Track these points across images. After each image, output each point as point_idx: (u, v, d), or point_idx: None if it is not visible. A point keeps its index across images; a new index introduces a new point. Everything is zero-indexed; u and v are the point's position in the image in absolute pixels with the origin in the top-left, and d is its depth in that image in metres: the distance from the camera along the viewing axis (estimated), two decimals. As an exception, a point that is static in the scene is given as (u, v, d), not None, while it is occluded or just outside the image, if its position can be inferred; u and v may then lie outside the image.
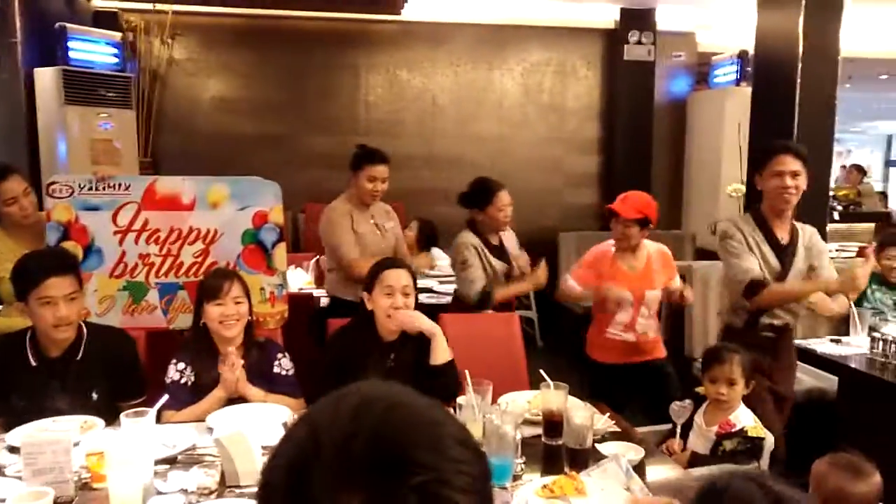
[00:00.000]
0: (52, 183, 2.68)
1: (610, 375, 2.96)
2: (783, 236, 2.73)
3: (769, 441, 2.21)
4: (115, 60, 5.30)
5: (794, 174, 2.62)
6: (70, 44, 5.02)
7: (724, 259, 2.79)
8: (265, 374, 2.32)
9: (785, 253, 2.71)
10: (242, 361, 2.23)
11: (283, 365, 2.37)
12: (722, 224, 2.83)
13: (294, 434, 0.63)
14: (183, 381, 2.24)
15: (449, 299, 3.78)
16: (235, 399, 2.21)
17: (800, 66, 4.94)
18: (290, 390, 2.32)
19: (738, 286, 2.66)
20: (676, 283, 3.05)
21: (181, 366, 2.26)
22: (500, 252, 3.38)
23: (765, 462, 2.18)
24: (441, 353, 2.30)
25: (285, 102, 6.03)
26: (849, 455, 1.63)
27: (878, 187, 15.26)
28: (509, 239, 3.49)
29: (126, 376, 2.24)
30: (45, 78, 4.95)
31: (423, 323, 2.31)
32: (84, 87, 5.00)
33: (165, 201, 2.72)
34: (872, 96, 11.03)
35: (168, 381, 2.22)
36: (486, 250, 3.30)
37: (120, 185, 2.71)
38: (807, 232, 2.80)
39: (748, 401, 2.28)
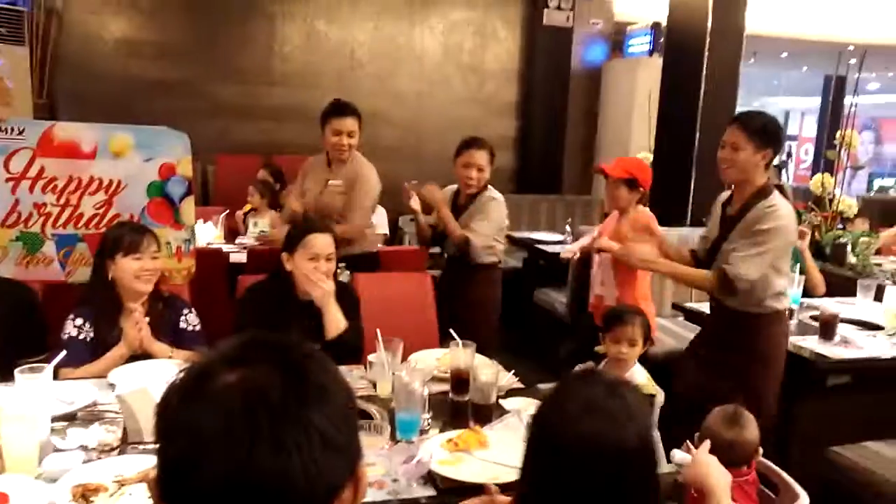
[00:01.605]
0: (-65, 124, 2.49)
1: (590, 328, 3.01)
2: (734, 210, 2.62)
3: (660, 398, 2.36)
4: (6, -9, 4.90)
5: (734, 147, 2.50)
6: (-47, -30, 4.60)
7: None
8: (171, 330, 2.28)
9: (726, 223, 2.64)
10: (147, 318, 2.18)
11: (190, 320, 2.34)
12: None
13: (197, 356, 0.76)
14: (81, 336, 2.16)
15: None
16: (138, 356, 2.16)
17: (708, 40, 5.14)
18: (196, 346, 2.28)
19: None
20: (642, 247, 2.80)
21: (79, 321, 2.18)
22: (453, 211, 3.33)
23: (654, 417, 2.32)
24: (332, 327, 2.31)
25: (195, 47, 5.75)
26: (733, 406, 1.77)
27: (775, 161, 16.19)
28: (483, 209, 3.33)
29: (26, 330, 2.15)
30: (-75, 6, 4.53)
31: (314, 291, 2.31)
32: (-30, 20, 4.61)
33: (64, 148, 2.57)
34: (773, 73, 11.61)
35: (65, 336, 2.14)
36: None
37: (13, 129, 2.53)
38: (762, 210, 2.53)
39: None
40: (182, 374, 0.71)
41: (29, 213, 2.57)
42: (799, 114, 16.42)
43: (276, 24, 5.92)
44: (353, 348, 2.33)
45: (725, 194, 2.69)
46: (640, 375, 2.35)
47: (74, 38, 5.46)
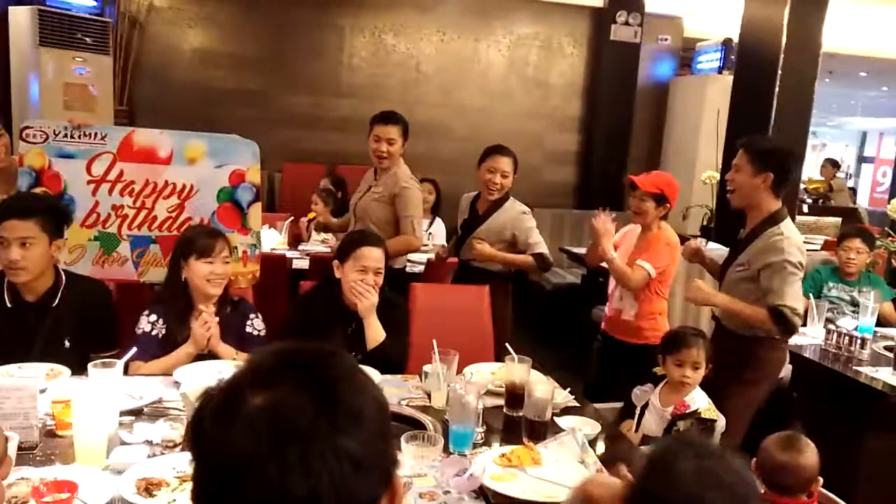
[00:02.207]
0: (27, 127, 2.64)
1: (605, 344, 3.13)
2: (742, 232, 2.71)
3: (721, 423, 2.29)
4: (94, 3, 5.18)
5: (736, 168, 2.57)
6: (47, -17, 4.89)
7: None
8: (237, 333, 2.33)
9: (734, 247, 2.76)
10: (217, 319, 2.25)
11: (256, 325, 2.39)
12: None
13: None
14: (154, 332, 2.25)
15: (422, 268, 3.82)
16: (204, 355, 2.23)
17: (782, 57, 4.99)
18: None
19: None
20: (642, 263, 2.91)
21: (153, 317, 2.27)
22: (472, 219, 3.32)
23: (716, 443, 2.26)
24: (371, 339, 2.35)
25: (266, 59, 5.94)
26: (790, 431, 1.72)
27: (849, 183, 15.57)
28: (501, 215, 3.28)
29: (101, 328, 2.24)
30: (20, 17, 4.81)
31: (357, 303, 2.34)
32: (60, 30, 4.88)
33: (142, 153, 2.69)
34: (851, 92, 11.18)
35: (139, 331, 2.23)
36: (466, 212, 3.37)
37: (96, 134, 2.67)
38: (773, 237, 2.55)
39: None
40: (214, 392, 0.70)
41: (107, 214, 2.70)
42: (877, 134, 15.76)
43: (344, 36, 6.06)
44: (394, 363, 2.35)
45: None
46: (701, 400, 2.28)
47: (155, 49, 5.71)
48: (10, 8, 4.82)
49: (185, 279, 2.27)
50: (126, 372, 2.01)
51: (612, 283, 3.11)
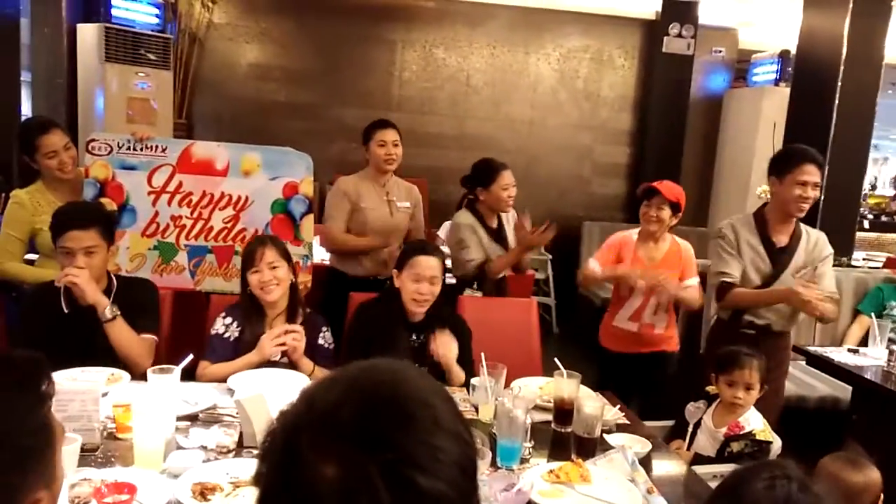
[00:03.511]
0: (92, 140, 2.75)
1: (617, 364, 3.01)
2: (781, 239, 2.76)
3: (776, 445, 2.23)
4: (156, 21, 5.36)
5: (816, 185, 2.66)
6: (113, 1, 5.09)
7: (711, 256, 2.89)
8: (309, 344, 2.33)
9: (780, 255, 2.74)
10: (297, 327, 2.29)
11: (327, 338, 2.42)
12: (722, 223, 2.85)
13: (295, 401, 0.68)
14: (227, 335, 2.31)
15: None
16: (262, 363, 2.28)
17: (842, 70, 4.85)
18: (328, 363, 2.34)
19: (712, 287, 2.81)
20: (691, 282, 2.95)
21: (228, 320, 2.33)
22: (497, 235, 3.30)
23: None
24: (454, 383, 2.36)
25: (320, 73, 6.06)
26: (851, 449, 1.68)
27: (912, 198, 14.95)
28: (509, 223, 3.38)
29: (143, 313, 2.30)
30: (88, 34, 5.03)
31: (444, 354, 2.33)
32: (124, 46, 5.07)
33: (200, 165, 2.78)
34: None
35: (213, 332, 2.31)
36: (483, 231, 3.25)
37: (157, 146, 2.76)
38: (812, 236, 2.80)
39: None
40: (278, 450, 0.65)
41: (166, 224, 2.79)
42: (943, 148, 15.13)
43: (396, 50, 6.14)
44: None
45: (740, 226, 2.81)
46: (755, 421, 2.23)
47: (212, 63, 5.89)
48: (79, 25, 5.04)
49: (249, 290, 2.34)
50: (194, 372, 2.08)
51: (638, 299, 2.97)
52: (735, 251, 2.76)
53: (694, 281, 2.95)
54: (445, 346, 2.31)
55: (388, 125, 3.29)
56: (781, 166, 2.72)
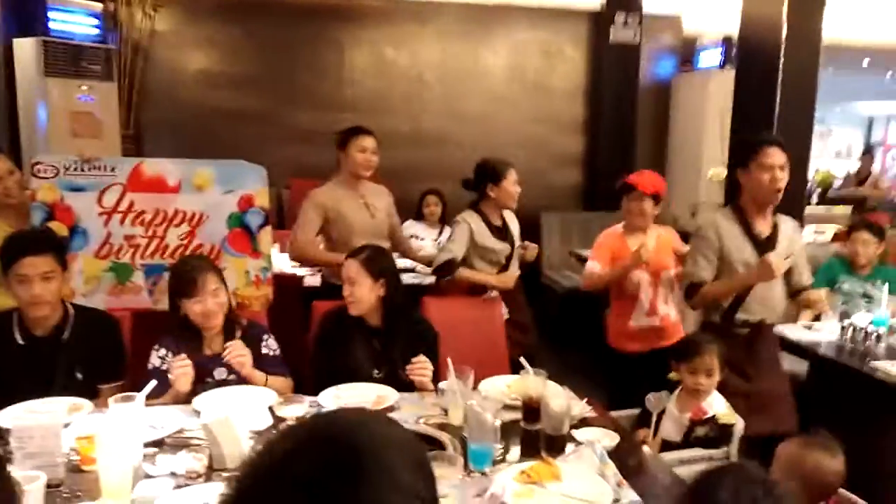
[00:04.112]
0: (38, 163, 2.67)
1: (635, 364, 2.99)
2: (763, 230, 2.69)
3: (739, 427, 2.30)
4: (96, 32, 5.23)
5: (782, 167, 2.59)
6: (50, 14, 4.96)
7: (687, 253, 2.82)
8: (253, 356, 2.33)
9: (765, 247, 2.66)
10: (240, 342, 2.27)
11: (270, 345, 2.41)
12: (702, 218, 2.84)
13: (256, 449, 0.68)
14: (164, 367, 2.25)
15: (433, 279, 3.82)
16: (223, 381, 2.25)
17: (783, 51, 4.99)
18: (278, 370, 2.34)
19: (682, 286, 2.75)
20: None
21: (162, 352, 2.28)
22: (502, 233, 3.30)
23: (734, 447, 2.26)
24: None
25: (270, 77, 5.98)
26: (821, 435, 1.71)
27: (854, 168, 15.42)
28: (513, 220, 3.40)
29: (109, 358, 2.26)
30: (25, 49, 4.87)
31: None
32: (64, 59, 4.93)
33: (151, 183, 2.73)
34: (855, 79, 11.11)
35: (150, 367, 2.25)
36: (487, 231, 3.24)
37: (105, 166, 2.70)
38: (788, 224, 2.76)
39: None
40: (235, 497, 0.65)
41: (120, 244, 2.73)
42: (884, 119, 15.66)
43: (345, 51, 6.10)
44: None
45: (715, 218, 2.72)
46: (718, 405, 2.29)
47: (158, 72, 5.77)
48: (16, 40, 4.87)
49: (183, 314, 2.29)
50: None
51: (649, 291, 3.00)
52: (715, 254, 2.65)
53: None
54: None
55: (366, 132, 3.30)
56: (743, 155, 2.67)
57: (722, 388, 2.35)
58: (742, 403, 2.47)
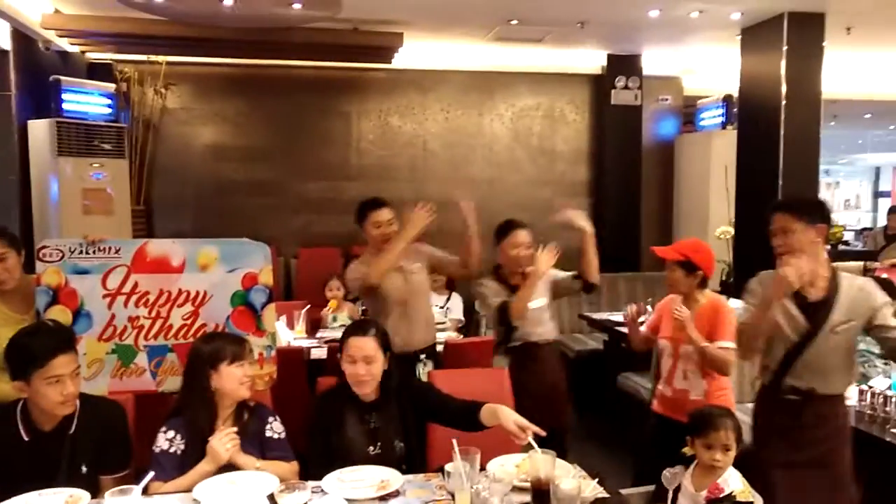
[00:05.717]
0: (43, 247, 2.69)
1: (664, 429, 2.90)
2: (813, 292, 2.52)
3: None
4: (109, 111, 5.37)
5: (784, 231, 2.49)
6: (64, 95, 5.09)
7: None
8: (258, 440, 2.29)
9: (815, 310, 2.50)
10: (235, 429, 2.22)
11: (275, 428, 2.36)
12: (753, 278, 2.70)
13: None
14: (172, 450, 2.20)
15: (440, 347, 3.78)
16: (224, 466, 2.20)
17: (783, 108, 5.04)
18: (282, 455, 2.30)
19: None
20: (722, 343, 2.77)
21: (171, 434, 2.23)
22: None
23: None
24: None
25: (277, 149, 6.10)
26: None
27: (866, 218, 15.37)
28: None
29: (115, 450, 2.21)
30: (39, 129, 5.00)
31: None
32: (77, 138, 5.06)
33: (155, 264, 2.74)
34: (858, 132, 11.20)
35: (157, 450, 2.19)
36: (506, 294, 3.25)
37: (110, 248, 2.72)
38: (854, 286, 2.54)
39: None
40: None
41: (124, 326, 2.72)
42: (890, 169, 15.69)
43: (351, 122, 6.23)
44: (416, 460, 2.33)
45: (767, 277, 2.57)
46: (735, 481, 2.20)
47: (169, 148, 5.90)
48: (30, 121, 5.01)
49: (214, 389, 2.26)
50: (146, 492, 1.98)
51: (668, 361, 2.95)
52: (758, 301, 2.54)
53: (726, 343, 2.78)
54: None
55: (380, 205, 3.38)
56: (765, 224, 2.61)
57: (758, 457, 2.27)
58: (780, 474, 2.41)
